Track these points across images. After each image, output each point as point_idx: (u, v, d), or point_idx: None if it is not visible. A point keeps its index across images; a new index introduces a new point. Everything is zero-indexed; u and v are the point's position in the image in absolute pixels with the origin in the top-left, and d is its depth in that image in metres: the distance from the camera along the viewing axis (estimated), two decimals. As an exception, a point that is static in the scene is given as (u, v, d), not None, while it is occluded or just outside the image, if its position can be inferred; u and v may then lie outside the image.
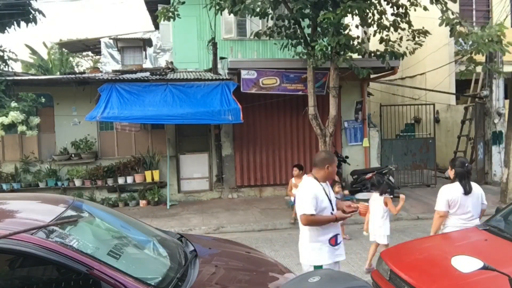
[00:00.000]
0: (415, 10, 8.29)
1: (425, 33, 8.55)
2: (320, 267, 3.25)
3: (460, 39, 7.74)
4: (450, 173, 4.21)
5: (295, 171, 7.77)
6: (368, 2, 7.50)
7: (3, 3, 8.37)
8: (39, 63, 17.30)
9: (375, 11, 8.24)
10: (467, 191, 4.01)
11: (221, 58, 10.18)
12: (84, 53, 19.66)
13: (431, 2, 7.73)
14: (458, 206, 4.02)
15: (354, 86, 10.42)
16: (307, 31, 8.33)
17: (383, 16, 8.42)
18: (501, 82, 10.64)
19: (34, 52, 17.63)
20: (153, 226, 3.83)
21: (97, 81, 9.01)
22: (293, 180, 8.17)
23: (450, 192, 4.06)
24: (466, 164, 4.12)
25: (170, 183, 9.71)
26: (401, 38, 8.56)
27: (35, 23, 8.87)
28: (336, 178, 8.14)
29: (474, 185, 4.11)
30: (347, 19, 7.99)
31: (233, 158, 10.18)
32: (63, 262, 2.28)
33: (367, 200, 5.43)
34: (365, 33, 10.46)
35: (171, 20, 8.25)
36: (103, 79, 9.03)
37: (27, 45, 17.57)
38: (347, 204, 3.46)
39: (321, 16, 6.96)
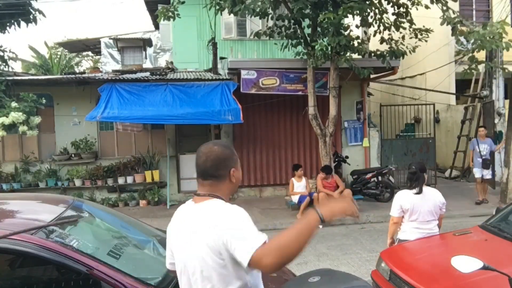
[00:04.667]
0: (417, 9, 8.30)
1: (427, 31, 8.56)
2: None
3: (462, 38, 7.74)
4: None
5: (301, 171, 8.28)
6: (369, 2, 7.51)
7: (3, 3, 8.38)
8: (41, 63, 17.30)
9: (376, 11, 8.25)
10: (416, 192, 3.88)
11: (221, 58, 10.18)
12: (84, 53, 19.66)
13: (432, 2, 7.73)
14: (412, 211, 3.89)
15: (354, 86, 10.42)
16: (307, 31, 8.33)
17: (384, 16, 8.43)
18: (501, 82, 10.63)
19: (37, 53, 17.63)
20: (153, 226, 3.82)
21: (97, 81, 9.01)
22: (293, 179, 8.22)
23: (402, 197, 3.94)
24: (413, 167, 3.98)
25: (170, 183, 9.70)
26: (403, 37, 8.58)
27: (35, 23, 8.88)
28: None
29: (432, 189, 4.00)
30: (348, 19, 8.01)
31: (233, 158, 10.16)
32: (63, 262, 2.28)
33: None
34: (365, 33, 10.47)
35: (171, 20, 8.25)
36: (103, 79, 9.03)
37: (30, 47, 17.58)
38: None
39: (322, 16, 6.96)
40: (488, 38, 6.81)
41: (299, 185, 8.19)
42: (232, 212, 1.65)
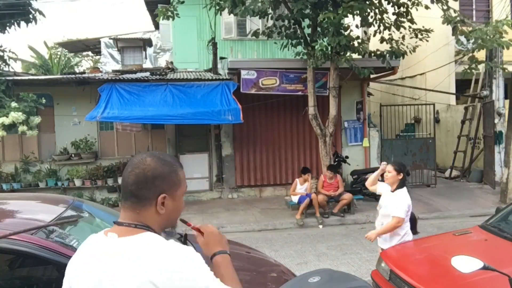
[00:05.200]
0: (416, 9, 8.30)
1: (427, 31, 8.56)
2: None
3: (463, 37, 7.74)
4: (397, 177, 3.93)
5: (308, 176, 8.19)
6: (369, 2, 7.51)
7: (3, 3, 8.38)
8: (41, 63, 17.28)
9: (377, 11, 8.25)
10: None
11: (221, 58, 10.18)
12: (84, 53, 19.64)
13: (432, 1, 7.73)
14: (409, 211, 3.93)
15: (354, 86, 10.42)
16: (307, 31, 8.33)
17: (384, 16, 8.43)
18: (501, 82, 10.63)
19: (37, 53, 17.62)
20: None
21: (97, 81, 9.01)
22: (298, 180, 8.22)
23: (408, 197, 3.95)
24: (407, 169, 4.00)
25: (170, 183, 9.67)
26: (403, 37, 8.57)
27: (35, 23, 8.88)
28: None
29: None
30: (348, 19, 8.01)
31: (233, 158, 10.18)
32: (64, 262, 2.27)
33: None
34: (365, 33, 10.47)
35: (171, 20, 8.26)
36: (103, 79, 9.03)
37: (30, 47, 17.57)
38: None
39: (322, 16, 6.97)
40: (489, 36, 6.81)
41: (301, 187, 8.21)
42: (181, 260, 1.19)
